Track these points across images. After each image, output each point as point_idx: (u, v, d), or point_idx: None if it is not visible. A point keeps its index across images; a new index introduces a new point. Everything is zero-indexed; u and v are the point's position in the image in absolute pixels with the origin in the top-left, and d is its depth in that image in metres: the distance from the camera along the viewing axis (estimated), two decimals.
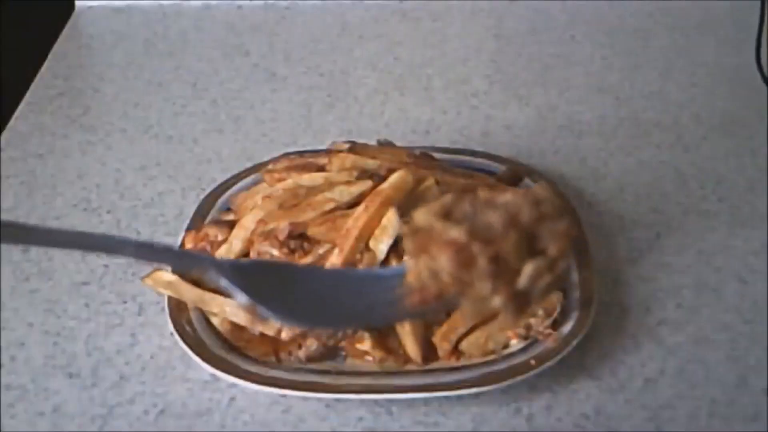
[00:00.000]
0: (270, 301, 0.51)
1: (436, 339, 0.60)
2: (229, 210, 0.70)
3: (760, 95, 0.87)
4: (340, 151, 0.68)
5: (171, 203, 0.76)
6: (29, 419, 0.59)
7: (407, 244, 0.49)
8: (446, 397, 0.58)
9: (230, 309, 0.61)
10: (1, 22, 1.07)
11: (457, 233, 0.47)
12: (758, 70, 0.88)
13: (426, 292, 0.49)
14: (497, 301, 0.47)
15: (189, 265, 0.55)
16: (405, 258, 0.58)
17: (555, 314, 0.61)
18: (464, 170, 0.70)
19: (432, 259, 0.48)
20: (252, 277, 0.52)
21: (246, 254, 0.63)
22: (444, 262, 0.47)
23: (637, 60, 0.94)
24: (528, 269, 0.47)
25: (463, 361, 0.60)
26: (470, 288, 0.47)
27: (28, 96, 0.90)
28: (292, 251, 0.61)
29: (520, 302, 0.48)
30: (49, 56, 0.96)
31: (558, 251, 0.48)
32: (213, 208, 0.71)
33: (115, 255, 0.54)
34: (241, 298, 0.51)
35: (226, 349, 0.60)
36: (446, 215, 0.48)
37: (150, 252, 0.54)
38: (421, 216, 0.49)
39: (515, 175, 0.73)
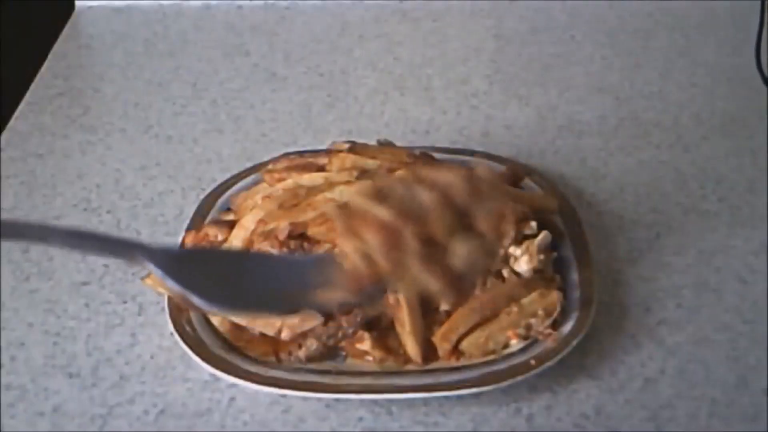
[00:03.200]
0: (202, 288, 0.50)
1: (436, 339, 0.60)
2: (229, 210, 0.70)
3: (760, 95, 0.87)
4: (340, 151, 0.69)
5: (171, 203, 0.76)
6: (29, 419, 0.59)
7: (337, 226, 0.48)
8: (446, 397, 0.58)
9: None
10: (1, 22, 1.08)
11: (385, 213, 0.46)
12: (758, 71, 0.88)
13: (360, 275, 0.47)
14: (431, 283, 0.46)
15: (119, 252, 0.52)
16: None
17: (555, 314, 0.61)
18: None
19: (362, 241, 0.46)
20: (184, 263, 0.51)
21: None
22: (373, 243, 0.46)
23: (637, 60, 0.94)
24: (459, 249, 0.46)
25: (463, 361, 0.60)
26: (404, 270, 0.46)
27: (28, 96, 0.90)
28: (292, 251, 0.61)
29: (456, 282, 0.47)
30: (49, 56, 0.96)
31: (491, 230, 0.47)
32: (213, 208, 0.71)
33: (41, 243, 0.52)
34: (174, 286, 0.49)
35: (226, 349, 0.60)
36: (377, 195, 0.47)
37: (77, 240, 0.51)
38: (351, 196, 0.48)
39: (515, 175, 0.73)
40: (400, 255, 0.46)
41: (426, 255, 0.46)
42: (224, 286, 0.51)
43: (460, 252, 0.46)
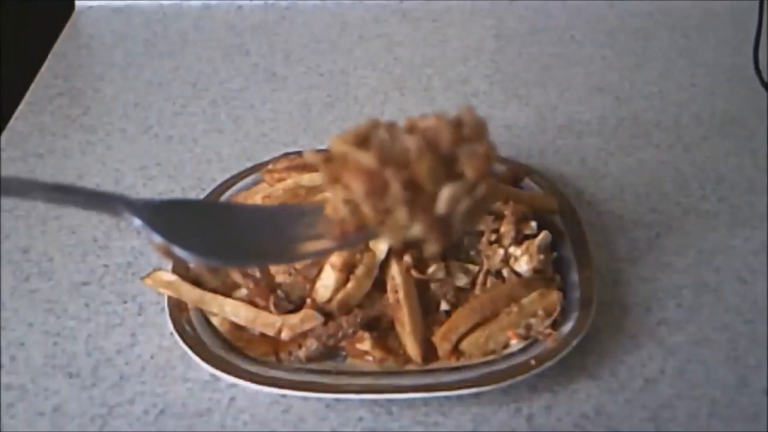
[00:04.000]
0: (186, 240, 0.48)
1: (436, 339, 0.60)
2: None
3: (760, 95, 0.87)
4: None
5: None
6: (29, 419, 0.59)
7: (321, 174, 0.47)
8: (446, 397, 0.58)
9: (230, 309, 0.61)
10: (1, 22, 1.07)
11: (367, 159, 0.45)
12: (756, 72, 0.88)
13: (345, 224, 0.46)
14: (417, 229, 0.45)
15: (100, 205, 0.51)
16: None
17: (555, 314, 0.61)
18: None
19: (346, 189, 0.46)
20: (167, 216, 0.49)
21: None
22: (356, 189, 0.45)
23: (637, 60, 0.94)
24: (444, 193, 0.45)
25: (463, 361, 0.60)
26: (389, 217, 0.45)
27: (28, 96, 0.90)
28: None
29: (442, 229, 0.46)
30: (49, 56, 0.96)
31: (476, 173, 0.46)
32: None
33: (23, 198, 0.50)
34: (156, 237, 0.48)
35: (226, 349, 0.60)
36: (361, 142, 0.46)
37: (59, 194, 0.50)
38: (335, 144, 0.47)
39: (515, 175, 0.73)
40: (383, 201, 0.45)
41: (410, 200, 0.45)
42: (208, 237, 0.50)
43: (445, 196, 0.45)
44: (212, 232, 0.50)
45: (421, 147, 0.45)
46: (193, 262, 0.53)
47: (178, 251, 0.48)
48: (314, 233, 0.48)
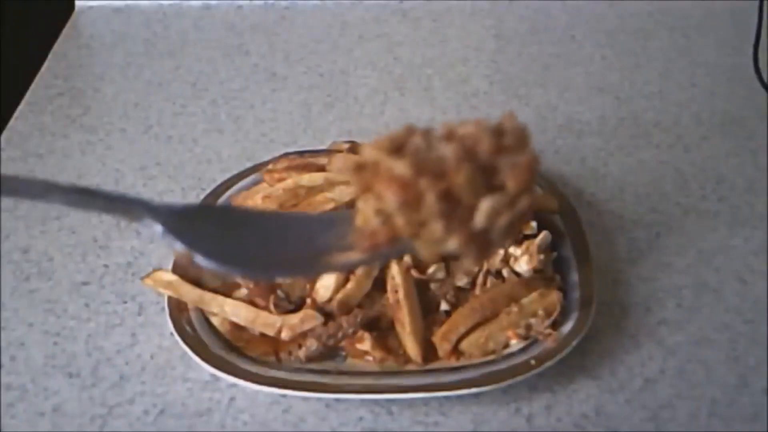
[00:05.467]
0: (209, 248, 0.46)
1: (436, 339, 0.60)
2: None
3: (760, 95, 0.87)
4: (340, 151, 0.68)
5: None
6: (29, 419, 0.59)
7: (352, 183, 0.44)
8: (446, 397, 0.58)
9: (230, 309, 0.61)
10: (1, 22, 1.08)
11: (401, 167, 0.42)
12: (756, 73, 0.88)
13: (376, 235, 0.44)
14: (453, 244, 0.43)
15: (120, 209, 0.49)
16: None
17: (555, 314, 0.61)
18: None
19: (378, 199, 0.43)
20: (190, 222, 0.47)
21: None
22: (389, 200, 0.42)
23: (637, 60, 0.94)
24: (484, 206, 0.42)
25: (463, 361, 0.60)
26: (423, 230, 0.42)
27: (28, 96, 0.90)
28: None
29: (480, 244, 0.43)
30: (49, 56, 0.96)
31: (518, 186, 0.43)
32: None
33: (41, 200, 0.49)
34: (177, 245, 0.46)
35: (226, 349, 0.60)
36: (395, 149, 0.43)
37: (78, 197, 0.48)
38: (368, 151, 0.43)
39: None
40: (418, 213, 0.42)
41: (447, 213, 0.42)
42: (232, 245, 0.48)
43: (485, 209, 0.42)
44: (237, 241, 0.48)
45: (460, 156, 0.42)
46: (215, 271, 0.52)
47: (201, 260, 0.46)
48: (344, 244, 0.46)
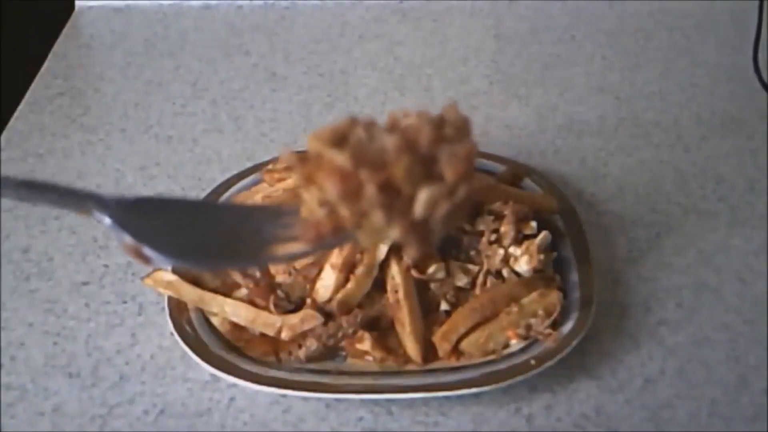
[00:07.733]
0: (157, 240, 0.46)
1: (436, 339, 0.60)
2: None
3: (760, 95, 0.87)
4: None
5: None
6: (29, 419, 0.59)
7: (296, 174, 0.45)
8: (446, 397, 0.58)
9: (230, 309, 0.61)
10: (1, 22, 1.08)
11: (341, 159, 0.43)
12: (756, 73, 0.88)
13: (321, 226, 0.44)
14: (394, 233, 0.43)
15: (70, 203, 0.49)
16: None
17: (555, 314, 0.61)
18: None
19: (320, 189, 0.44)
20: (139, 214, 0.48)
21: None
22: (329, 191, 0.43)
23: (637, 60, 0.94)
24: (422, 196, 0.43)
25: (463, 361, 0.60)
26: (365, 219, 0.43)
27: (28, 96, 0.90)
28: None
29: (420, 233, 0.44)
30: (49, 56, 0.96)
31: (455, 175, 0.43)
32: None
33: None
34: (126, 238, 0.46)
35: (226, 349, 0.60)
36: (338, 141, 0.44)
37: (28, 191, 0.48)
38: (311, 142, 0.44)
39: (515, 175, 0.73)
40: (359, 203, 0.43)
41: (387, 203, 0.43)
42: (181, 237, 0.48)
43: (422, 199, 0.43)
44: (186, 232, 0.49)
45: (399, 147, 0.43)
46: (162, 264, 0.52)
47: (148, 252, 0.46)
48: (290, 235, 0.47)
